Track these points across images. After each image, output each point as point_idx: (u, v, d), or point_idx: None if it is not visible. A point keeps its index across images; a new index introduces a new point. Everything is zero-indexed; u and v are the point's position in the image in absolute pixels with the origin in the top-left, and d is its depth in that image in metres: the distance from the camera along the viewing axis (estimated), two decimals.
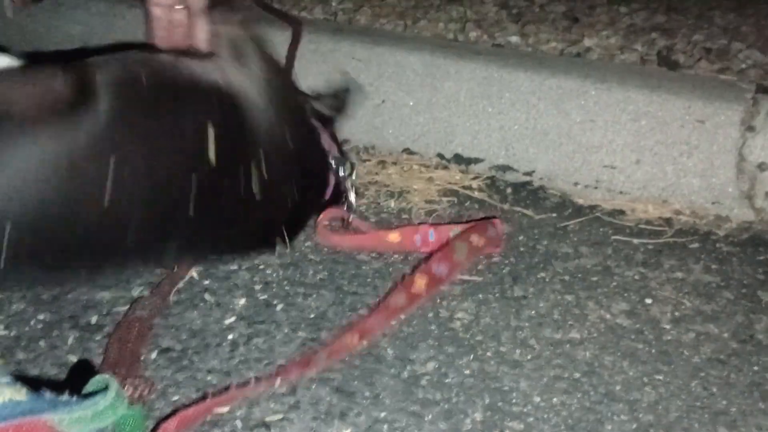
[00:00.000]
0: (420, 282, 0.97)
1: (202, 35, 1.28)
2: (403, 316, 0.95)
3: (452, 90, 1.38)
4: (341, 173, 1.17)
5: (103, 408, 0.58)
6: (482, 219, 1.18)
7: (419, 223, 1.21)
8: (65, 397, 0.55)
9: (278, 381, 0.82)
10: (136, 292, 0.99)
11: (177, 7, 1.30)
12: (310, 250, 1.13)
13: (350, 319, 0.96)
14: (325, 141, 1.18)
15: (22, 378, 0.54)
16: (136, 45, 1.16)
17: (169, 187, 0.86)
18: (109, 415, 0.59)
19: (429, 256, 1.04)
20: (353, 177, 1.19)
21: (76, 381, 0.66)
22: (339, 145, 1.22)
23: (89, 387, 0.63)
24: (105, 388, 0.60)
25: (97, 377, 0.64)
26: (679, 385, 0.88)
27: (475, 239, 1.08)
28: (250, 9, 1.39)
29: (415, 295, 0.96)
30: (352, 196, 1.18)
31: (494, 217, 1.19)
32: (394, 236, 1.15)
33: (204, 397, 0.79)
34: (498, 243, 1.13)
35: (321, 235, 1.14)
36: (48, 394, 0.54)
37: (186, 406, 0.78)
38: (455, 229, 1.13)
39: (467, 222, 1.17)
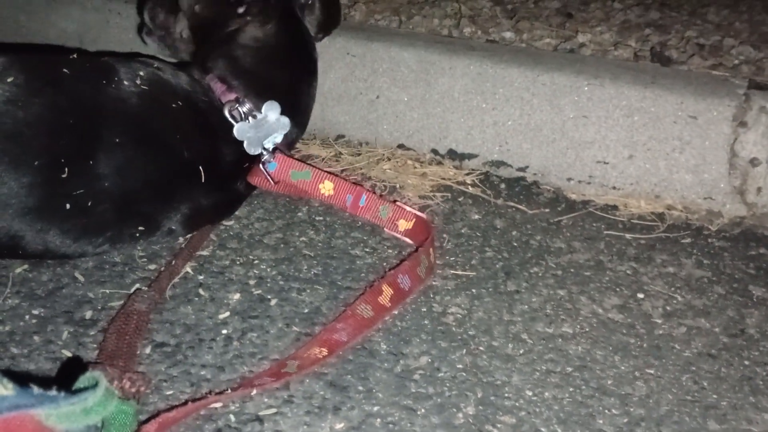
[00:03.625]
0: (387, 292, 0.97)
1: None
2: (368, 332, 0.94)
3: (446, 86, 1.38)
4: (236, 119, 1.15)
5: (92, 404, 0.57)
6: (414, 212, 1.16)
7: (356, 183, 1.23)
8: (53, 392, 0.55)
9: (254, 391, 0.82)
10: (131, 288, 1.00)
11: None
12: (305, 245, 1.13)
13: (342, 313, 0.96)
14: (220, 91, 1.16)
15: (8, 373, 0.53)
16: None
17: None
18: (98, 412, 0.59)
19: (396, 265, 1.04)
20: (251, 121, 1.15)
21: (66, 377, 0.66)
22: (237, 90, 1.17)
23: (79, 384, 0.63)
24: (95, 385, 0.60)
25: (88, 374, 0.64)
26: (670, 379, 0.89)
27: (431, 254, 1.08)
28: None
29: (382, 306, 0.96)
30: (252, 148, 1.16)
31: (420, 215, 1.16)
32: (327, 186, 1.18)
33: (185, 402, 0.80)
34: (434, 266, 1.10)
35: (253, 179, 1.19)
36: (35, 389, 0.54)
37: (167, 409, 0.78)
38: (385, 205, 1.16)
39: (395, 202, 1.18)
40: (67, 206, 0.97)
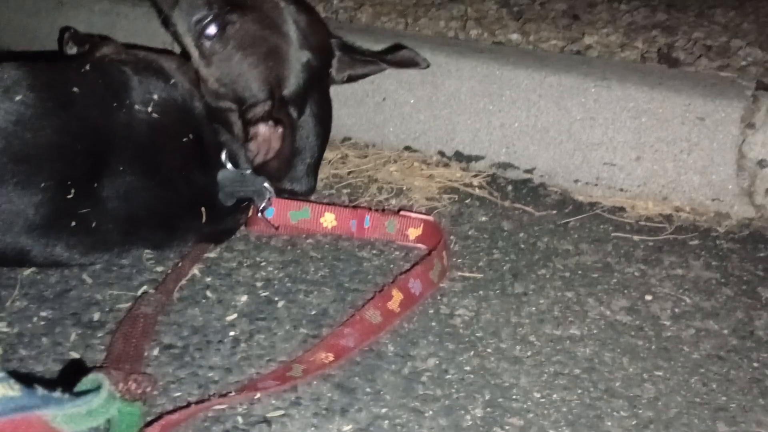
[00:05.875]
0: (396, 297, 0.97)
1: None
2: (376, 337, 0.93)
3: (453, 88, 1.38)
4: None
5: (96, 406, 0.58)
6: (421, 216, 1.16)
7: (355, 206, 1.21)
8: (58, 393, 0.55)
9: (258, 394, 0.82)
10: (138, 290, 1.00)
11: None
12: (312, 247, 1.13)
13: (348, 316, 0.96)
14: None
15: (13, 374, 0.54)
16: None
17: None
18: (102, 414, 0.59)
19: (408, 269, 1.03)
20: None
21: (69, 379, 0.66)
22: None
23: (81, 385, 0.64)
24: (98, 387, 0.61)
25: (90, 376, 0.64)
26: (679, 381, 0.89)
27: (444, 258, 1.07)
28: None
29: (391, 312, 0.96)
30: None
31: (428, 218, 1.16)
32: (328, 218, 1.15)
33: (188, 405, 0.79)
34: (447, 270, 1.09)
35: (253, 225, 1.15)
36: (41, 391, 0.54)
37: (170, 411, 0.78)
38: (390, 219, 1.15)
39: (399, 212, 1.18)
40: (73, 224, 0.98)
